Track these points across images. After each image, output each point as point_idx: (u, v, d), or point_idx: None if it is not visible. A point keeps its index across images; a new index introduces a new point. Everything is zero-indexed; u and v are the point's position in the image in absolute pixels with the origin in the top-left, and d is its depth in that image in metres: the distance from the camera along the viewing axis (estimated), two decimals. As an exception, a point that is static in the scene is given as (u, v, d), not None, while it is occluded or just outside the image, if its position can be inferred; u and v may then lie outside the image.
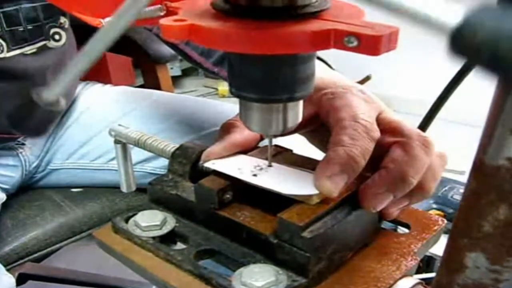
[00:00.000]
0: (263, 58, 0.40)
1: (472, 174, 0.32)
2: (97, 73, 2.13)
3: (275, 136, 0.46)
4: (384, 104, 0.52)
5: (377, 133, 0.47)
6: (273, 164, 0.50)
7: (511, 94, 0.29)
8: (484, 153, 0.31)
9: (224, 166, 0.49)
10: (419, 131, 0.49)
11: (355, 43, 0.35)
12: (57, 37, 0.98)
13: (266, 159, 0.50)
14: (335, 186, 0.43)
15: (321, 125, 0.53)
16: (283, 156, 0.53)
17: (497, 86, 0.30)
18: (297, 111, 0.45)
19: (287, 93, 0.41)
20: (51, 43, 0.97)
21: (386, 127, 0.49)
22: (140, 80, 1.86)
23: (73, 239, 1.08)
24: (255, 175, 0.48)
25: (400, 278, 0.44)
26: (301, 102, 0.45)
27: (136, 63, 2.45)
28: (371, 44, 0.34)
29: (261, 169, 0.49)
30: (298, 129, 0.48)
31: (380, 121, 0.49)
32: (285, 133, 0.45)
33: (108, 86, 1.23)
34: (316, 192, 0.44)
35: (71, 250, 1.11)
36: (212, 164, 0.50)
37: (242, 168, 0.49)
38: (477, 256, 0.32)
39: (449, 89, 0.55)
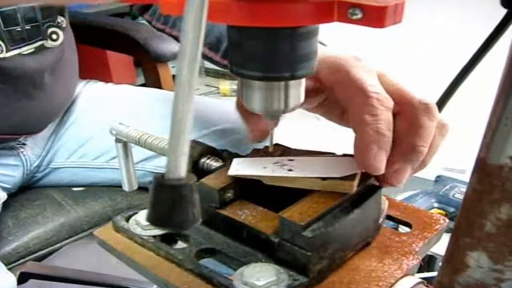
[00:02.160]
0: (264, 33, 0.39)
1: (474, 173, 0.32)
2: (98, 72, 2.13)
3: (276, 117, 0.46)
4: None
5: (390, 102, 0.48)
6: (293, 158, 0.50)
7: (513, 92, 0.29)
8: (486, 151, 0.31)
9: (249, 170, 0.48)
10: (420, 96, 0.49)
11: (359, 15, 0.35)
12: (54, 36, 0.98)
13: (280, 155, 0.50)
14: (381, 164, 0.46)
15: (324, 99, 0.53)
16: (293, 152, 0.52)
17: (500, 84, 0.30)
18: (299, 91, 0.44)
19: (288, 70, 0.41)
20: (49, 43, 0.97)
21: (388, 94, 0.49)
22: (141, 79, 1.87)
23: (74, 238, 1.08)
24: (290, 169, 0.47)
25: (402, 277, 0.44)
26: (303, 81, 0.44)
27: (137, 61, 2.45)
28: (376, 16, 0.34)
29: (284, 164, 0.48)
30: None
31: (383, 86, 0.49)
32: (286, 112, 0.45)
33: (109, 85, 1.23)
34: (354, 171, 0.46)
35: (72, 249, 1.11)
36: (236, 171, 0.48)
37: (267, 167, 0.48)
38: (479, 255, 0.32)
39: (451, 89, 0.55)
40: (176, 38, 0.89)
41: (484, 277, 0.33)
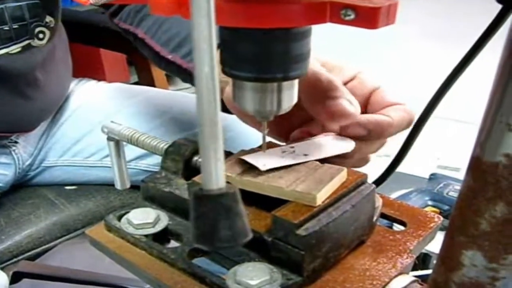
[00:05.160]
0: (257, 34, 0.39)
1: (469, 170, 0.32)
2: (91, 70, 2.12)
3: (269, 118, 0.46)
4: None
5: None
6: (293, 145, 0.51)
7: (509, 89, 0.28)
8: (481, 149, 0.30)
9: (276, 161, 0.47)
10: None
11: (352, 16, 0.34)
12: (41, 35, 0.97)
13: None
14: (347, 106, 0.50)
15: None
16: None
17: (495, 81, 0.30)
18: (292, 92, 0.44)
19: (281, 72, 0.41)
20: (35, 42, 0.96)
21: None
22: (135, 77, 1.86)
23: (67, 237, 1.07)
24: (305, 154, 0.49)
25: (396, 276, 0.44)
26: (296, 82, 0.44)
27: (130, 60, 2.44)
28: (369, 16, 0.34)
29: (292, 152, 0.49)
30: None
31: None
32: (279, 114, 0.45)
33: (102, 83, 1.22)
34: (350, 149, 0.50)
35: (66, 248, 1.10)
36: (264, 166, 0.47)
37: (284, 157, 0.48)
38: (474, 254, 0.32)
39: (445, 86, 0.55)
40: (136, 36, 0.87)
41: (479, 275, 0.32)
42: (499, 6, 0.42)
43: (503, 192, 0.30)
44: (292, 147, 0.50)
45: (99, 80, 1.24)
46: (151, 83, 1.31)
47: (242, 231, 0.29)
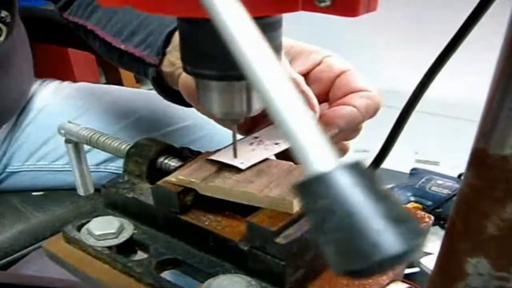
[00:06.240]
0: None
1: (471, 166, 0.28)
2: (60, 70, 2.05)
3: (239, 120, 0.41)
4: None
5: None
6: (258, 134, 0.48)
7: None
8: (486, 141, 0.26)
9: (254, 157, 0.44)
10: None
11: (328, 2, 0.30)
12: None
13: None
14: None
15: None
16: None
17: (498, 65, 0.26)
18: None
19: None
20: None
21: None
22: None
23: (36, 245, 1.03)
24: (277, 143, 0.46)
25: (388, 283, 0.40)
26: None
27: (99, 60, 2.39)
28: (347, 3, 0.30)
29: (260, 143, 0.47)
30: None
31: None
32: (249, 116, 0.41)
33: (66, 83, 1.17)
34: None
35: (39, 256, 1.06)
36: (242, 164, 0.44)
37: (255, 149, 0.46)
38: (479, 261, 0.28)
39: (426, 81, 0.52)
40: (85, 28, 0.82)
41: (485, 285, 0.29)
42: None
43: (513, 191, 0.26)
44: (257, 137, 0.47)
45: (65, 80, 1.19)
46: (120, 83, 1.26)
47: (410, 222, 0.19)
